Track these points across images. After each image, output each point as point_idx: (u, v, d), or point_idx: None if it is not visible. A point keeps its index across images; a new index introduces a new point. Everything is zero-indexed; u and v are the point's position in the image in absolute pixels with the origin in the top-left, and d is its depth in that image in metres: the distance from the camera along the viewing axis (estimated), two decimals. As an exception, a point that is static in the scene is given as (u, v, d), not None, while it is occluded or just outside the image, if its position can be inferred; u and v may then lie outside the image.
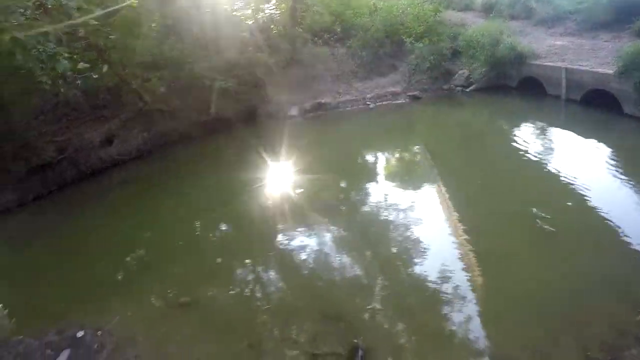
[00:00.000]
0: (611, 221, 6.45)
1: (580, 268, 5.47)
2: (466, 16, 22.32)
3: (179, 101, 14.64)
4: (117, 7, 10.89)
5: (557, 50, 15.36)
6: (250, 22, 19.40)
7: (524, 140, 10.85)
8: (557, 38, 16.74)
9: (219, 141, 14.16)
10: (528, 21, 19.62)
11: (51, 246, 8.37)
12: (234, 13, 18.45)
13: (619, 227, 6.26)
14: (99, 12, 10.53)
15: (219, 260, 6.98)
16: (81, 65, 10.02)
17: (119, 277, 6.90)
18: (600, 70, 12.32)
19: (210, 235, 8.36)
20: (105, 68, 12.16)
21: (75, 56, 11.12)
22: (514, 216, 6.99)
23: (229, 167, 11.75)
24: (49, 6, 9.52)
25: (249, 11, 19.82)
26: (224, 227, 8.58)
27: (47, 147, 12.16)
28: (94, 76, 11.69)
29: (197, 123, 14.61)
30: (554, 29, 17.92)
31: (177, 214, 9.20)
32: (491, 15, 20.77)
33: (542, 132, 11.88)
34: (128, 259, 7.52)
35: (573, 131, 11.34)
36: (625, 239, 5.97)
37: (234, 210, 8.96)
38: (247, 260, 6.85)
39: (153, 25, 15.91)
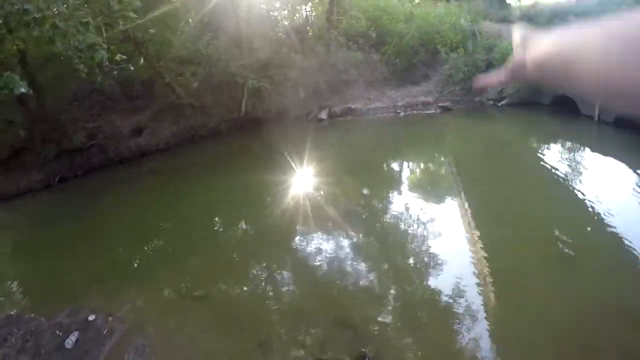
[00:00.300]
0: (635, 251, 6.20)
1: (596, 295, 5.23)
2: (503, 28, 22.00)
3: (211, 97, 14.80)
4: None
5: None
6: (286, 23, 19.52)
7: (552, 160, 10.51)
8: None
9: (247, 140, 14.23)
10: None
11: (71, 229, 8.56)
12: (271, 12, 18.58)
13: None
14: (138, 5, 10.77)
15: (235, 256, 6.97)
16: (118, 56, 10.17)
17: (136, 265, 6.99)
18: None
19: (229, 232, 8.37)
20: (141, 61, 12.35)
21: (112, 47, 11.33)
22: (535, 236, 6.76)
23: (254, 166, 11.77)
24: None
25: (286, 12, 19.95)
26: (243, 225, 8.57)
27: (78, 133, 12.43)
28: (131, 68, 11.87)
29: (227, 120, 14.75)
30: None
31: (198, 208, 9.26)
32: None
33: (572, 152, 11.48)
34: (146, 247, 7.61)
35: (603, 154, 10.89)
36: None
37: (255, 209, 8.96)
38: (262, 259, 6.83)
39: (190, 20, 16.16)
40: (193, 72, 14.38)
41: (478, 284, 5.61)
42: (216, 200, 9.64)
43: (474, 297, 5.33)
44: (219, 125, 14.71)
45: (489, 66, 17.36)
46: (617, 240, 6.53)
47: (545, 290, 5.40)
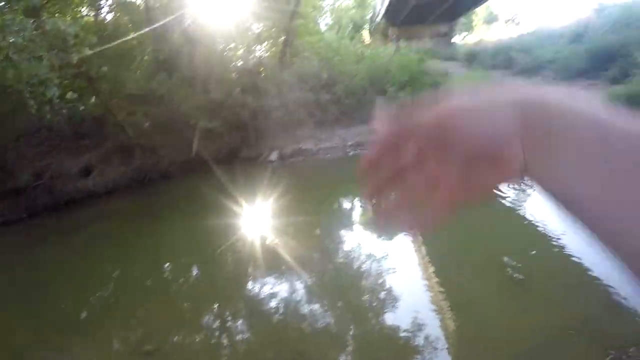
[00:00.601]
0: (582, 264, 6.46)
1: (550, 313, 5.37)
2: (449, 66, 22.97)
3: (162, 138, 14.64)
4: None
5: None
6: (240, 63, 19.72)
7: (500, 188, 10.97)
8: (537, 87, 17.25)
9: (198, 182, 14.06)
10: (509, 71, 20.33)
11: (13, 278, 8.15)
12: (226, 53, 18.74)
13: (589, 270, 6.27)
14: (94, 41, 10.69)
15: (187, 305, 6.82)
16: (70, 95, 10.02)
17: (82, 318, 6.67)
18: None
19: (181, 279, 8.13)
20: (93, 99, 12.20)
21: (65, 81, 11.16)
22: (486, 265, 6.89)
23: (205, 209, 11.54)
24: (48, 29, 9.58)
25: (240, 51, 20.17)
26: (194, 271, 8.38)
27: (23, 171, 11.99)
28: (82, 107, 11.69)
29: (177, 162, 14.59)
30: (533, 78, 18.50)
31: (148, 254, 9.01)
32: (473, 65, 21.41)
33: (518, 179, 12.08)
34: (93, 298, 7.29)
35: None
36: (594, 280, 5.96)
37: (206, 255, 8.75)
38: (216, 307, 6.66)
39: (145, 58, 16.13)
40: (145, 112, 14.24)
41: (436, 316, 5.65)
42: (166, 246, 9.40)
43: (433, 329, 5.36)
44: (169, 166, 14.53)
45: (437, 104, 18.01)
46: (563, 257, 6.83)
47: (501, 316, 5.53)
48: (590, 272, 6.18)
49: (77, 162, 13.50)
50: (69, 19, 13.93)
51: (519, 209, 9.45)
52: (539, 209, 9.51)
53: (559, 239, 7.51)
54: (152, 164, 14.26)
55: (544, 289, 6.00)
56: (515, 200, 10.06)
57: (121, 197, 13.03)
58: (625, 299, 5.46)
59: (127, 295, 7.33)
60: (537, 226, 8.27)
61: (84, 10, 16.48)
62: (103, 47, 12.18)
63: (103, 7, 16.50)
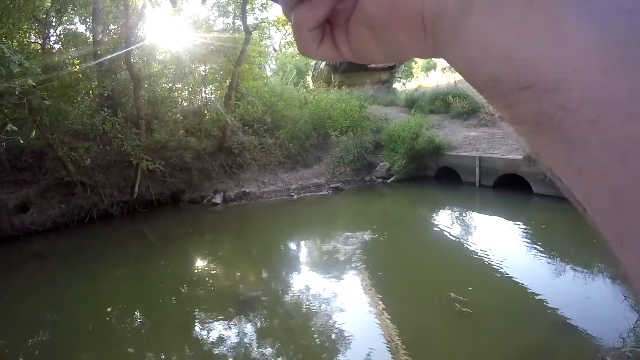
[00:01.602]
0: (528, 290, 7.03)
1: (502, 342, 5.77)
2: (390, 111, 24.07)
3: (104, 176, 14.47)
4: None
5: (471, 141, 17.11)
6: (185, 104, 19.89)
7: (442, 226, 11.69)
8: (472, 129, 18.64)
9: (140, 224, 13.93)
10: (446, 115, 21.84)
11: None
12: (171, 93, 18.86)
13: (536, 295, 6.83)
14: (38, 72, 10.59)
15: (130, 350, 6.76)
16: (9, 127, 9.84)
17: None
18: (510, 157, 13.94)
19: (123, 324, 7.87)
20: (34, 134, 11.97)
21: (7, 110, 10.96)
22: (435, 302, 7.16)
23: (148, 251, 11.44)
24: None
25: (186, 93, 20.36)
26: (138, 316, 8.13)
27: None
28: (21, 141, 11.44)
29: (119, 202, 14.42)
30: (469, 121, 19.91)
31: (88, 297, 8.74)
32: (413, 110, 22.55)
33: (459, 217, 12.87)
34: (30, 342, 7.06)
35: (487, 214, 12.57)
36: (542, 304, 6.51)
37: (149, 300, 8.59)
38: (162, 354, 6.57)
39: (90, 93, 16.00)
40: (87, 149, 14.01)
41: (390, 353, 5.85)
42: (107, 288, 9.17)
43: None
44: (110, 207, 14.29)
45: (377, 147, 18.78)
46: (509, 286, 7.42)
47: (455, 351, 5.79)
48: (533, 296, 6.77)
49: (15, 196, 13.09)
50: (15, 44, 13.78)
51: (468, 243, 10.09)
52: (478, 240, 10.23)
53: (500, 267, 8.13)
54: (93, 202, 13.98)
55: (492, 319, 6.43)
56: (463, 235, 10.76)
57: (60, 236, 12.65)
58: (572, 320, 5.97)
59: (65, 341, 7.05)
60: (478, 258, 8.89)
61: (32, 37, 16.29)
62: (48, 79, 12.09)
63: (52, 35, 16.35)
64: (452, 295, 6.86)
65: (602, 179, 0.29)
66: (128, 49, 14.28)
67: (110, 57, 15.17)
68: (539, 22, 0.29)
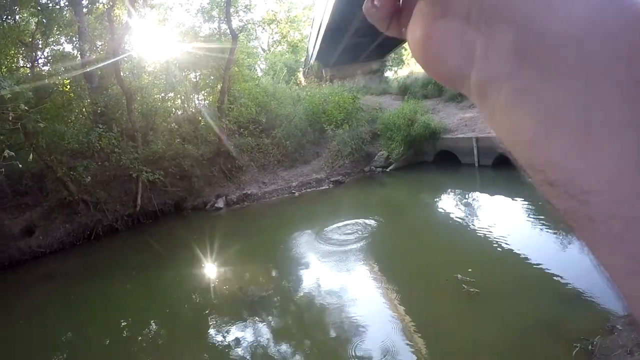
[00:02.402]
0: (534, 265, 7.08)
1: (510, 319, 5.81)
2: (383, 100, 24.07)
3: (105, 192, 14.55)
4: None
5: (467, 122, 16.98)
6: (179, 113, 19.92)
7: (444, 209, 11.76)
8: (467, 111, 18.48)
9: (145, 235, 13.96)
10: (439, 99, 21.72)
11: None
12: (164, 103, 18.89)
13: (542, 269, 6.87)
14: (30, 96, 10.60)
15: None
16: (7, 153, 9.89)
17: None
18: None
19: (139, 336, 7.94)
20: (31, 157, 12.01)
21: (1, 136, 11.01)
22: (443, 284, 7.15)
23: (155, 262, 11.48)
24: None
25: (179, 101, 20.38)
26: (153, 326, 8.18)
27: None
28: (19, 165, 11.47)
29: (122, 216, 14.49)
30: (463, 103, 19.76)
31: (101, 313, 8.79)
32: (406, 97, 22.57)
33: (460, 198, 12.90)
34: (47, 362, 7.17)
35: (488, 193, 12.61)
36: (549, 277, 6.53)
37: (163, 308, 8.66)
38: None
39: (84, 110, 16.04)
40: (85, 166, 14.06)
41: (404, 338, 5.92)
42: (119, 302, 9.23)
43: (404, 351, 5.63)
44: (115, 221, 14.40)
45: (374, 137, 18.78)
46: (514, 262, 7.50)
47: (466, 329, 5.84)
48: (540, 270, 6.80)
49: (19, 221, 13.18)
50: (4, 70, 13.83)
51: (472, 223, 10.16)
52: (481, 220, 10.26)
53: (505, 245, 8.16)
54: (97, 219, 14.07)
55: (500, 297, 6.47)
56: (467, 216, 10.80)
57: (67, 255, 12.75)
58: (580, 290, 5.99)
59: (83, 356, 7.18)
60: (483, 238, 8.91)
61: (20, 61, 16.35)
62: (40, 101, 12.14)
63: (40, 57, 16.40)
64: (459, 276, 6.90)
65: (624, 279, 0.29)
66: (115, 59, 14.27)
67: (98, 68, 15.27)
68: (574, 124, 0.29)
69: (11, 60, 15.56)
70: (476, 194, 13.03)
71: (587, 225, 0.29)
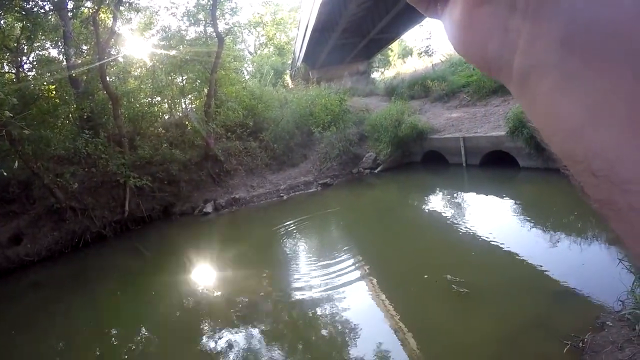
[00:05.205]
0: (523, 263, 7.15)
1: (501, 318, 5.86)
2: (370, 101, 24.22)
3: (93, 199, 14.44)
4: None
5: (453, 122, 17.21)
6: (166, 117, 19.85)
7: (433, 209, 11.85)
8: (453, 111, 18.81)
9: (134, 241, 13.89)
10: (426, 99, 22.01)
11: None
12: (151, 107, 18.81)
13: (531, 267, 6.93)
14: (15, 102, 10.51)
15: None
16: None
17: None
18: (494, 133, 13.98)
19: (130, 344, 7.82)
20: (16, 164, 11.91)
21: None
22: (433, 285, 7.18)
23: (144, 268, 11.47)
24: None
25: (165, 105, 20.31)
26: (143, 334, 8.13)
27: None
28: (4, 174, 11.35)
29: (111, 222, 14.40)
30: (449, 103, 20.14)
31: (91, 321, 8.68)
32: (393, 98, 22.75)
33: (449, 198, 13.01)
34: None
35: (476, 192, 12.75)
36: (538, 275, 6.60)
37: (153, 314, 8.64)
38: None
39: (70, 116, 15.92)
40: (72, 173, 13.96)
41: (395, 340, 5.93)
42: (108, 311, 9.15)
43: (395, 353, 5.67)
44: (103, 228, 14.28)
45: (361, 138, 18.85)
46: (503, 260, 7.57)
47: (458, 330, 5.89)
48: (529, 268, 6.87)
49: (6, 229, 13.03)
50: (-12, 76, 13.70)
51: (453, 224, 10.23)
52: (469, 220, 10.34)
53: (493, 243, 8.24)
54: (85, 226, 13.94)
55: (490, 296, 6.52)
56: (455, 215, 10.90)
57: (56, 263, 12.63)
58: (569, 288, 6.05)
59: None
60: (471, 237, 9.00)
61: (5, 66, 16.18)
62: (25, 107, 12.03)
63: (25, 62, 16.25)
64: (449, 277, 6.92)
65: None
66: (101, 62, 14.20)
67: (84, 73, 15.17)
68: (621, 114, 0.30)
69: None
70: (464, 194, 13.13)
71: (627, 215, 0.31)
